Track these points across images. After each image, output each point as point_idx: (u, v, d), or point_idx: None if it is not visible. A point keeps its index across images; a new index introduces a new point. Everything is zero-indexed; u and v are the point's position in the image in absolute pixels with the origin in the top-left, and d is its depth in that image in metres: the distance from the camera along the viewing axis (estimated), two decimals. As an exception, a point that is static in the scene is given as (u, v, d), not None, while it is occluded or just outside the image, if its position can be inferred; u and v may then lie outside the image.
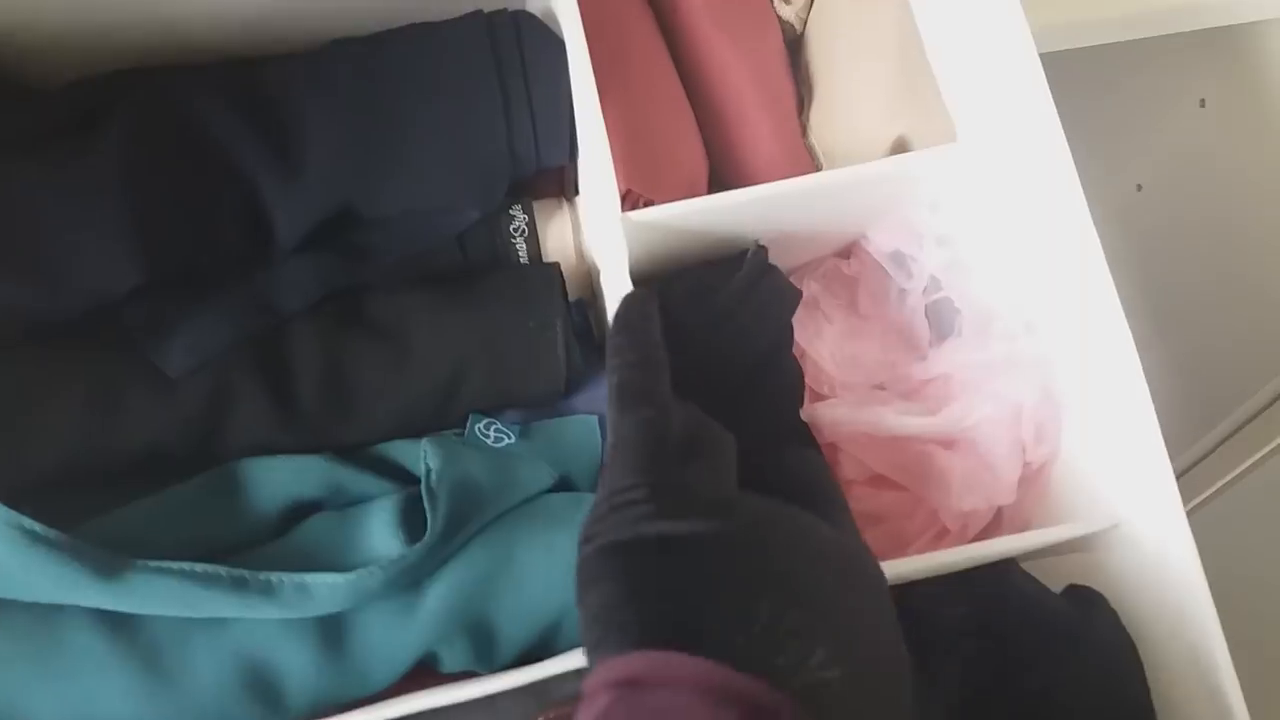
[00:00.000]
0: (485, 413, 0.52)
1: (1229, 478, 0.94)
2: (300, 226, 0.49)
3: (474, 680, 0.45)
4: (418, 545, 0.44)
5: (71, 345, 0.46)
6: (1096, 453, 0.52)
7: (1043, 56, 0.52)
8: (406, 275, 0.52)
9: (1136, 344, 0.48)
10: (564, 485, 0.51)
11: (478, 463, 0.47)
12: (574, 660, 0.45)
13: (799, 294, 0.55)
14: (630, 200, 0.51)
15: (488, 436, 0.51)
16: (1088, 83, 0.91)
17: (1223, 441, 0.95)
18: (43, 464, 0.45)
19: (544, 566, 0.46)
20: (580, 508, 0.49)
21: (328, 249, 0.51)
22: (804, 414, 0.55)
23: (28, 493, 0.42)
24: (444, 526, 0.44)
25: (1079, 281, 0.50)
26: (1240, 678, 0.47)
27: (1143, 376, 0.48)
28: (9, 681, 0.41)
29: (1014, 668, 0.50)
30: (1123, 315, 0.48)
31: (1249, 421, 0.95)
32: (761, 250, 0.54)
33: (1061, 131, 0.50)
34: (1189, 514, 0.48)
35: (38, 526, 0.40)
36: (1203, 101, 0.93)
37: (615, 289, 0.48)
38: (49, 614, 0.42)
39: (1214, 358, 0.93)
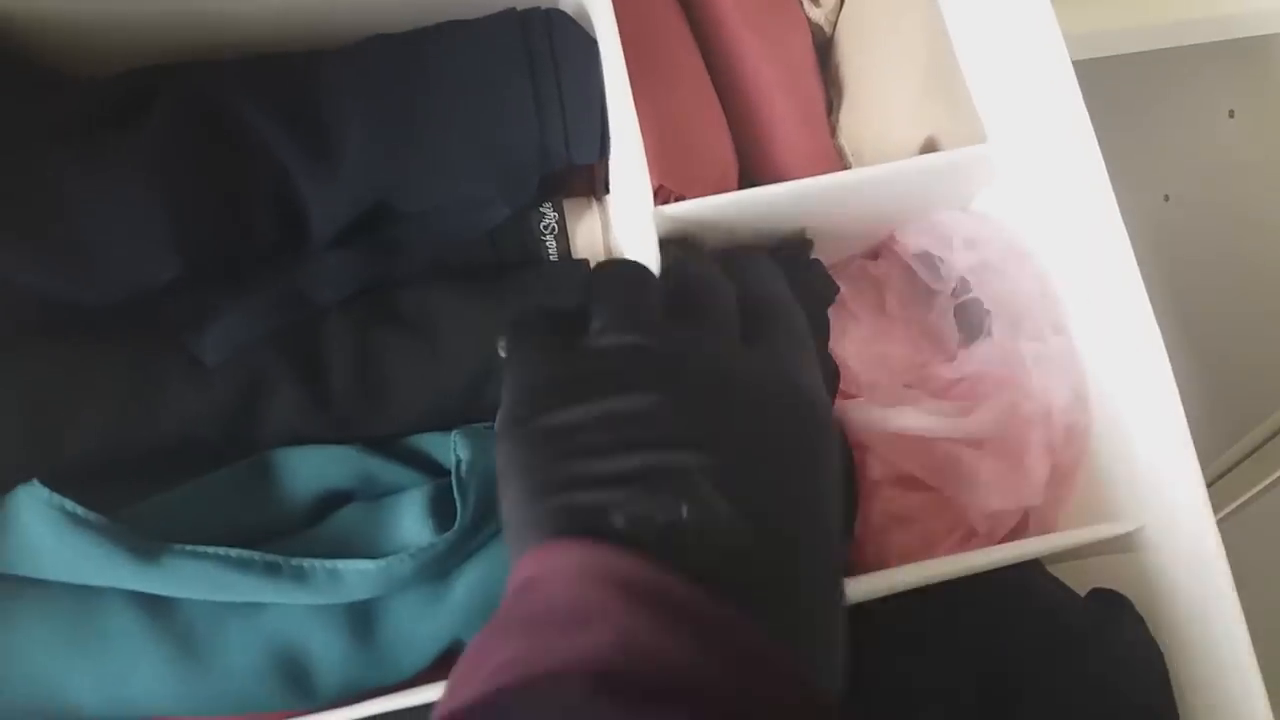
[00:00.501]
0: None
1: (1259, 488, 0.94)
2: (335, 220, 0.49)
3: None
4: (447, 534, 0.44)
5: (110, 335, 0.47)
6: (1125, 455, 0.52)
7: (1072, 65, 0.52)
8: (438, 271, 0.53)
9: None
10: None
11: None
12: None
13: (837, 289, 0.55)
14: (662, 196, 0.51)
15: None
16: (1115, 92, 0.91)
17: (1252, 451, 0.95)
18: (81, 452, 0.45)
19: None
20: None
21: (362, 243, 0.51)
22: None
23: (67, 480, 0.43)
24: (473, 516, 0.45)
25: (1109, 281, 0.50)
26: (1268, 684, 0.47)
27: (1172, 378, 0.48)
28: (48, 660, 0.42)
29: (1034, 672, 0.50)
30: (1152, 315, 0.48)
31: (1278, 433, 0.95)
32: (808, 243, 0.54)
33: (1092, 131, 0.50)
34: (1218, 523, 0.48)
35: (79, 509, 0.41)
36: (1231, 112, 0.93)
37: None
38: (87, 595, 0.42)
39: (1242, 368, 0.93)
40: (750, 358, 0.37)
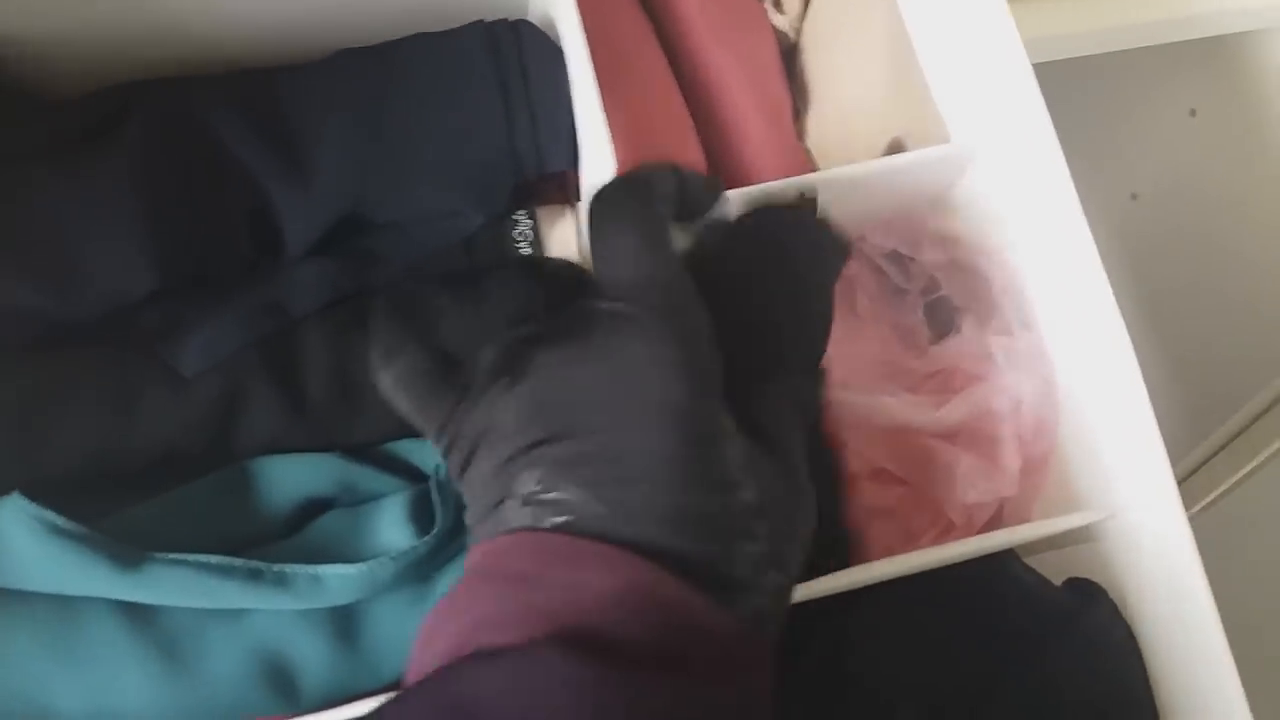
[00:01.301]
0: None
1: (1227, 484, 0.95)
2: (309, 231, 0.50)
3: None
4: (427, 538, 0.45)
5: (87, 348, 0.47)
6: (1094, 445, 0.53)
7: (1035, 67, 0.53)
8: (413, 278, 0.53)
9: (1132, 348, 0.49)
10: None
11: None
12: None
13: (849, 249, 0.55)
14: (633, 201, 0.52)
15: None
16: (1080, 94, 0.92)
17: (1220, 449, 0.96)
18: (62, 465, 0.45)
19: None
20: None
21: (337, 254, 0.52)
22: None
23: (48, 492, 0.43)
24: (453, 519, 0.45)
25: (1074, 276, 0.51)
26: (1241, 672, 0.47)
27: (1137, 367, 0.49)
28: (31, 670, 0.42)
29: (1013, 662, 0.51)
30: (1117, 308, 0.49)
31: (1246, 428, 0.96)
32: (811, 200, 0.54)
33: (1052, 128, 0.51)
34: (1195, 515, 0.48)
35: (59, 519, 0.41)
36: (1193, 111, 0.94)
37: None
38: (70, 604, 0.42)
39: (1211, 363, 0.94)
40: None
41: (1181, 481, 0.97)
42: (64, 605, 0.42)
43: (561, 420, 0.34)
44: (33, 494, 0.42)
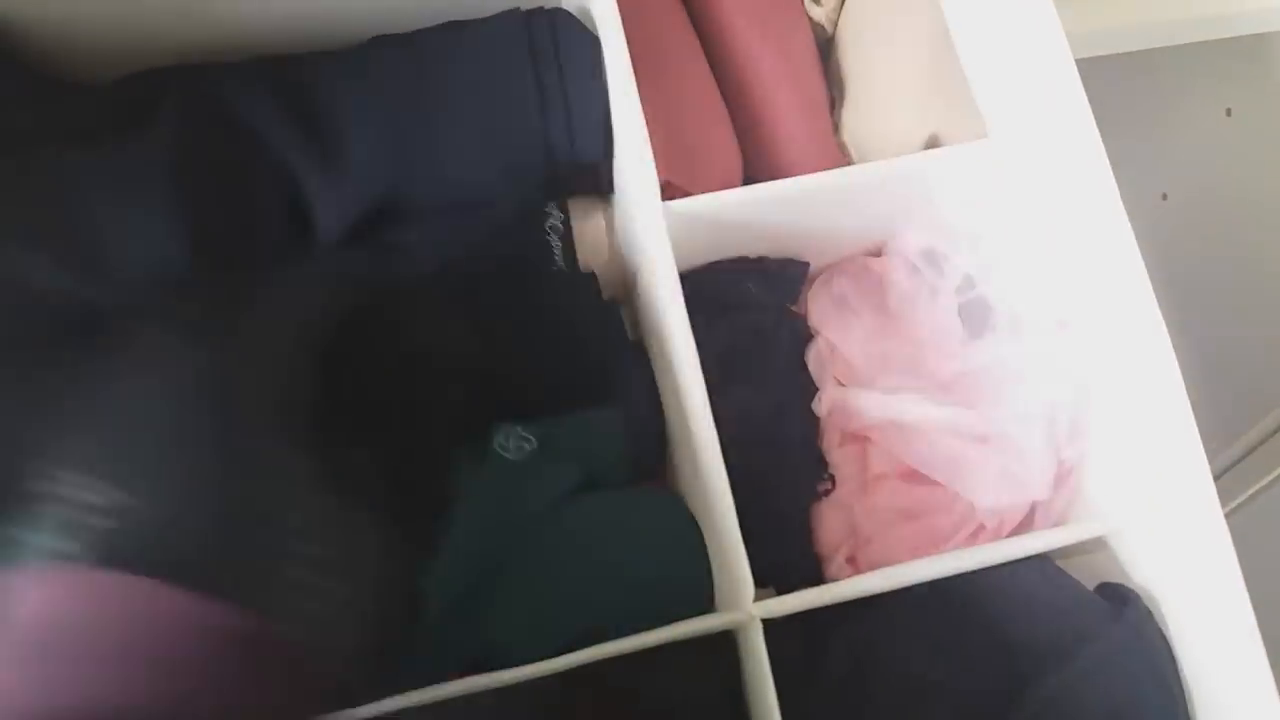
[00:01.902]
0: (511, 413, 0.52)
1: (1262, 483, 0.94)
2: (341, 219, 0.50)
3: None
4: None
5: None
6: (1131, 448, 0.52)
7: (1069, 63, 0.52)
8: (445, 271, 0.53)
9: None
10: (590, 478, 0.51)
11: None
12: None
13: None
14: (668, 193, 0.51)
15: (508, 450, 0.51)
16: (1113, 91, 0.91)
17: (1254, 449, 0.95)
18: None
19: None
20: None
21: (368, 243, 0.51)
22: (835, 400, 0.55)
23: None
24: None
25: (1112, 275, 0.50)
26: (1277, 677, 0.47)
27: (1177, 368, 0.48)
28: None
29: (1043, 667, 0.50)
30: (1157, 308, 0.49)
31: (1278, 430, 0.95)
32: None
33: (1094, 126, 0.50)
34: (1224, 517, 0.48)
35: None
36: (1229, 110, 0.93)
37: (659, 279, 0.48)
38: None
39: (1243, 366, 0.93)
40: None
41: (1215, 480, 0.96)
42: None
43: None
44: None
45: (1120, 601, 0.52)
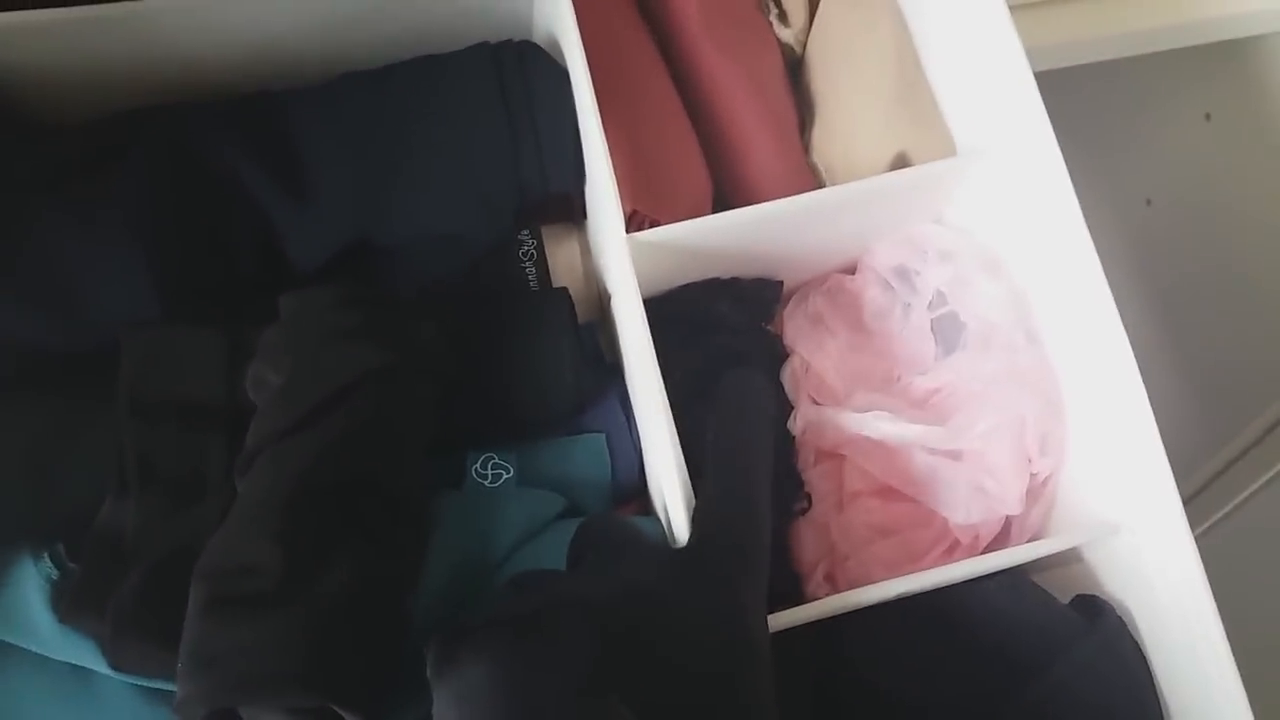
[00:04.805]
0: (487, 441, 0.53)
1: (1247, 492, 0.94)
2: (312, 255, 0.50)
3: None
4: None
5: (94, 383, 0.47)
6: (1100, 462, 0.53)
7: (1050, 73, 0.52)
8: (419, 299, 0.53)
9: (1146, 359, 0.49)
10: (573, 505, 0.52)
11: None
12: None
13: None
14: (636, 221, 0.52)
15: (485, 477, 0.52)
16: (1095, 99, 0.91)
17: (1239, 456, 0.95)
18: (73, 502, 0.45)
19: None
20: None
21: (343, 279, 0.52)
22: (810, 418, 0.56)
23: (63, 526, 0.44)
24: None
25: (1078, 290, 0.51)
26: (1248, 687, 0.47)
27: (1141, 383, 0.49)
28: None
29: (1020, 679, 0.51)
30: (1120, 323, 0.49)
31: (1266, 434, 0.95)
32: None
33: (1055, 142, 0.51)
34: (1204, 533, 0.48)
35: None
36: (1208, 115, 0.93)
37: (625, 310, 0.49)
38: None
39: (1227, 369, 0.93)
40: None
41: (1200, 490, 0.96)
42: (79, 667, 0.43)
43: None
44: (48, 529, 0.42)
45: (1094, 613, 0.53)
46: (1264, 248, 0.92)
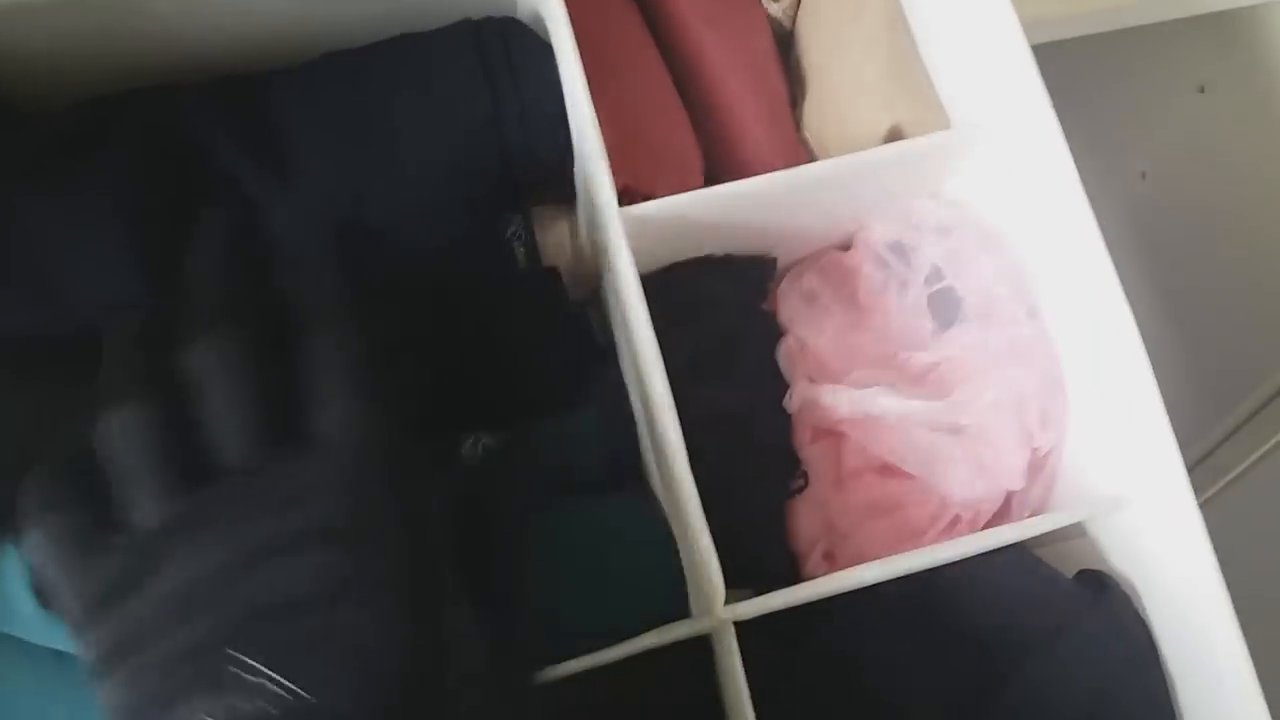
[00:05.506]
0: (478, 422, 0.52)
1: (1244, 465, 0.94)
2: (296, 235, 0.49)
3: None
4: None
5: (79, 368, 0.46)
6: (1103, 436, 0.52)
7: (1043, 46, 0.52)
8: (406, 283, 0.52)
9: (1144, 332, 0.48)
10: (566, 484, 0.51)
11: None
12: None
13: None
14: (628, 197, 0.51)
15: (476, 457, 0.51)
16: (1088, 71, 0.90)
17: (1237, 429, 0.95)
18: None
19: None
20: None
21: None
22: (807, 396, 0.55)
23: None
24: None
25: (1078, 263, 0.50)
26: (1255, 660, 0.46)
27: (1145, 356, 0.48)
28: (31, 705, 0.42)
29: (1025, 655, 0.50)
30: (1123, 296, 0.48)
31: (1262, 407, 0.95)
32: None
33: (1053, 113, 0.50)
34: (1205, 503, 0.47)
35: None
36: (1202, 87, 0.92)
37: (620, 284, 0.48)
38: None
39: (1224, 342, 0.93)
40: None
41: (1197, 463, 0.96)
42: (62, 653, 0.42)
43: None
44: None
45: (1098, 587, 0.52)
46: (1260, 219, 0.92)
